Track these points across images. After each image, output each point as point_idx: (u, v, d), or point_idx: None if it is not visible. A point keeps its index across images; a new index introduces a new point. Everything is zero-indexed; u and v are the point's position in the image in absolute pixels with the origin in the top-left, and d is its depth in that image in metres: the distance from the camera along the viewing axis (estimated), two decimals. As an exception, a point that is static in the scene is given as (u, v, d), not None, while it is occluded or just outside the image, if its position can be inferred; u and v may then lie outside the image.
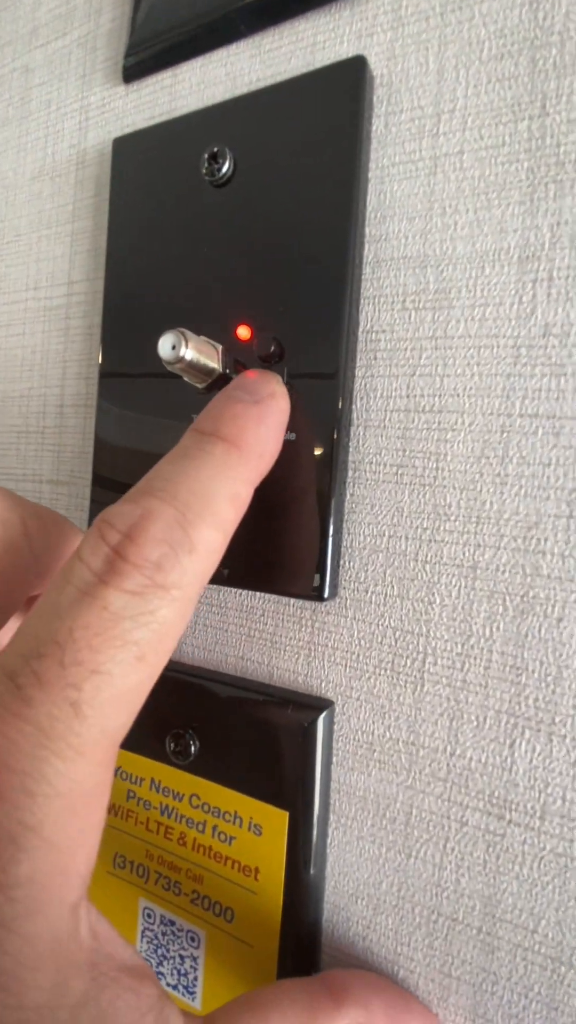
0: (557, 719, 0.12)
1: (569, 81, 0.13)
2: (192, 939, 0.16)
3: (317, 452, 0.14)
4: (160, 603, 0.10)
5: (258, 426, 0.12)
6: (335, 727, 0.15)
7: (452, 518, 0.14)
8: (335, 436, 0.14)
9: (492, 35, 0.14)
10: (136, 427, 0.17)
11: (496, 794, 0.13)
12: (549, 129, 0.13)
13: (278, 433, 0.13)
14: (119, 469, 0.18)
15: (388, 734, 0.14)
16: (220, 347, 0.15)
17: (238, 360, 0.16)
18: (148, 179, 0.18)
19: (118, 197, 0.18)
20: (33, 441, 0.21)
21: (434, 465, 0.14)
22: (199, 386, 0.16)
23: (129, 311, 0.18)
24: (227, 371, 0.15)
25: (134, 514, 0.10)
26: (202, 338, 0.15)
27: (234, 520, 0.12)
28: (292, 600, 0.16)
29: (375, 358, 0.15)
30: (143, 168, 0.18)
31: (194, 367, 0.15)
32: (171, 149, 0.17)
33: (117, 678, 0.09)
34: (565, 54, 0.13)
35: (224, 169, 0.16)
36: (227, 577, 0.15)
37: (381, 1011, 0.13)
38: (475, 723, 0.13)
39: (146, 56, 0.19)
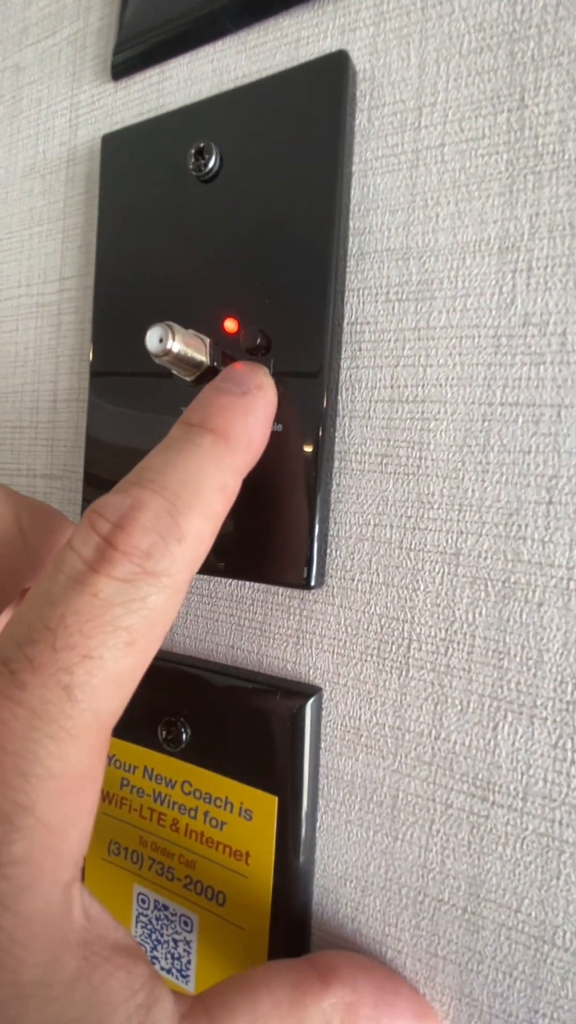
0: (538, 702, 0.13)
1: (547, 74, 0.13)
2: (185, 923, 0.17)
3: (304, 443, 0.15)
4: (150, 590, 0.10)
5: (245, 417, 0.12)
6: (323, 713, 0.15)
7: (435, 506, 0.14)
8: (321, 427, 0.15)
9: (471, 29, 0.14)
10: (127, 422, 0.18)
11: (480, 776, 0.13)
12: (528, 121, 0.13)
13: (266, 424, 0.13)
14: (110, 465, 0.18)
15: (375, 719, 0.15)
16: (208, 340, 0.16)
17: (226, 353, 0.16)
18: (136, 175, 0.18)
19: (107, 193, 0.18)
20: (27, 436, 0.22)
21: (417, 454, 0.14)
22: (187, 379, 0.16)
23: (119, 306, 0.18)
24: (215, 364, 0.16)
25: (124, 504, 0.10)
26: (190, 331, 0.15)
27: (223, 510, 0.12)
28: (280, 589, 0.16)
29: (360, 349, 0.15)
30: (131, 164, 0.18)
31: (182, 360, 0.15)
32: (158, 145, 0.17)
33: (108, 663, 0.10)
34: (543, 47, 0.13)
35: (210, 164, 0.16)
36: (219, 568, 0.16)
37: (368, 991, 0.13)
38: (459, 707, 0.14)
39: (134, 53, 0.19)
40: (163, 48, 0.18)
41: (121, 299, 0.18)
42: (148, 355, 0.15)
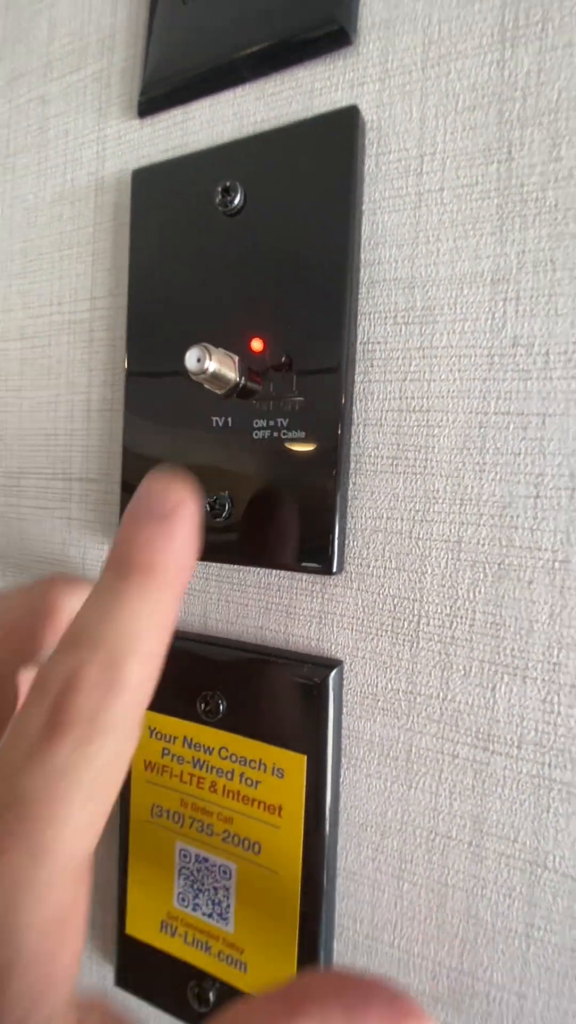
0: (530, 664, 0.15)
1: (531, 131, 0.15)
2: (224, 872, 0.19)
3: (324, 448, 0.17)
4: (100, 746, 0.11)
5: (170, 544, 0.12)
6: (344, 682, 0.18)
7: (439, 501, 0.16)
8: (339, 433, 0.17)
9: (465, 89, 0.16)
10: (160, 431, 0.20)
11: (481, 730, 0.16)
12: (514, 172, 0.15)
13: (191, 541, 0.13)
14: (145, 472, 0.20)
15: (389, 685, 0.17)
16: (236, 358, 0.18)
17: (251, 369, 0.18)
18: (166, 207, 0.20)
19: (138, 223, 0.21)
20: (62, 443, 0.24)
21: (424, 456, 0.17)
22: (219, 392, 0.18)
23: (152, 325, 0.20)
24: (243, 379, 0.18)
25: (66, 669, 0.11)
26: (221, 350, 0.17)
27: (161, 647, 0.12)
28: (305, 575, 0.18)
29: (371, 366, 0.17)
30: (161, 197, 0.20)
31: (216, 377, 0.17)
32: (187, 181, 0.19)
33: (72, 819, 0.10)
34: (527, 107, 0.15)
35: (236, 201, 0.18)
36: (249, 559, 0.18)
37: (338, 1014, 0.11)
38: (462, 672, 0.16)
39: (159, 94, 0.21)
40: (187, 91, 0.20)
41: (153, 319, 0.20)
42: (180, 370, 0.17)
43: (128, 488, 0.21)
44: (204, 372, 0.17)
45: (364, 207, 0.17)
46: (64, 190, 0.24)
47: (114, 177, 0.23)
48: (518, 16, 0.15)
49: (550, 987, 0.15)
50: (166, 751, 0.20)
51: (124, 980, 0.21)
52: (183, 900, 0.20)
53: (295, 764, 0.18)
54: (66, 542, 0.24)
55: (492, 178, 0.16)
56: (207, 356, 0.17)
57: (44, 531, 0.24)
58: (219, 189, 0.18)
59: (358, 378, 0.17)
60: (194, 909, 0.19)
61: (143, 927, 0.21)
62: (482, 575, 0.16)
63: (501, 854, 0.16)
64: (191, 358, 0.17)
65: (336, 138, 0.17)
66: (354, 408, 0.17)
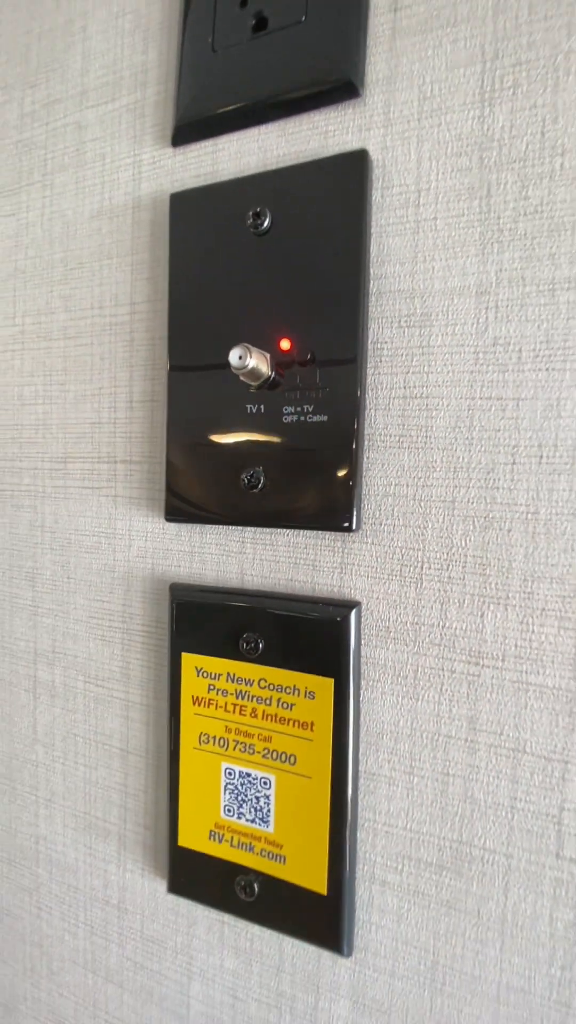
0: (510, 595, 0.20)
1: (505, 174, 0.20)
2: (265, 783, 0.23)
3: (344, 429, 0.21)
4: None
5: None
6: (362, 619, 0.22)
7: (437, 469, 0.21)
8: (356, 417, 0.21)
9: (453, 138, 0.20)
10: (200, 419, 0.24)
11: (473, 649, 0.20)
12: (492, 207, 0.20)
13: None
14: (187, 454, 0.24)
15: (399, 619, 0.21)
16: (268, 355, 0.22)
17: (280, 365, 0.22)
18: (201, 227, 0.24)
19: (177, 239, 0.24)
20: (106, 430, 0.27)
21: (424, 434, 0.21)
22: (252, 383, 0.22)
23: (190, 328, 0.24)
24: (273, 374, 0.22)
25: None
26: (257, 349, 0.21)
27: None
28: (327, 534, 0.22)
29: (380, 361, 0.21)
30: (197, 218, 0.24)
31: (253, 372, 0.21)
32: (221, 205, 0.23)
33: None
34: (502, 155, 0.20)
35: (265, 224, 0.22)
36: (281, 522, 0.22)
37: None
38: (457, 604, 0.20)
39: (191, 127, 0.25)
40: (216, 126, 0.24)
41: (192, 321, 0.24)
42: (217, 365, 0.21)
43: (172, 468, 0.24)
44: (245, 367, 0.21)
45: (372, 231, 0.21)
46: (103, 207, 0.27)
47: (150, 197, 0.26)
48: (494, 81, 0.20)
49: (530, 845, 0.20)
50: (212, 687, 0.24)
51: (177, 886, 0.25)
52: (229, 811, 0.24)
53: (324, 687, 0.22)
54: (113, 516, 0.27)
55: (475, 211, 0.20)
56: (248, 354, 0.21)
57: (91, 508, 0.28)
58: (250, 213, 0.22)
59: (369, 371, 0.22)
60: (238, 817, 0.24)
61: (193, 838, 0.25)
62: (471, 527, 0.20)
63: (490, 745, 0.20)
64: (234, 355, 0.21)
65: (349, 174, 0.21)
66: (367, 396, 0.22)
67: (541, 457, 0.19)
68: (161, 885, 0.27)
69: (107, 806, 0.28)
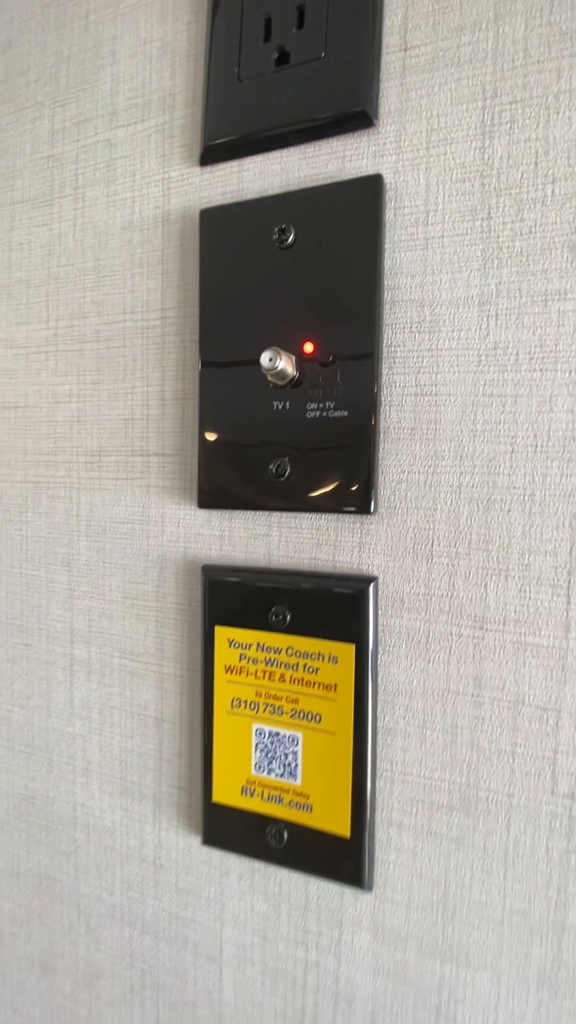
0: (510, 567, 0.23)
1: (503, 199, 0.22)
2: (293, 741, 0.26)
3: (363, 423, 0.24)
4: None
5: None
6: (379, 591, 0.25)
7: (445, 458, 0.24)
8: (372, 412, 0.24)
9: (458, 165, 0.23)
10: (229, 414, 0.26)
11: (477, 615, 0.23)
12: (493, 227, 0.23)
13: None
14: (218, 448, 0.27)
15: (412, 591, 0.24)
16: (293, 357, 0.25)
17: (303, 365, 0.25)
18: (230, 240, 0.26)
19: (206, 251, 0.27)
20: (139, 426, 0.30)
21: (433, 427, 0.24)
22: (280, 383, 0.25)
23: (221, 332, 0.27)
24: (297, 374, 0.25)
25: None
26: (284, 351, 0.24)
27: None
28: (347, 516, 0.25)
29: (394, 362, 0.24)
30: (226, 232, 0.26)
31: (281, 373, 0.24)
32: (249, 221, 0.26)
33: None
34: (500, 182, 0.22)
35: (290, 239, 0.25)
36: (307, 506, 0.25)
37: None
38: (463, 576, 0.23)
39: (218, 149, 0.27)
40: (242, 148, 0.27)
41: (222, 326, 0.27)
42: (246, 366, 0.24)
43: (204, 459, 0.27)
44: (274, 368, 0.24)
45: (386, 246, 0.24)
46: (133, 219, 0.30)
47: (179, 212, 0.29)
48: (493, 116, 0.23)
49: (529, 785, 0.23)
50: (243, 656, 0.27)
51: (211, 839, 0.28)
52: (259, 767, 0.27)
53: (346, 652, 0.25)
54: (146, 505, 0.30)
55: (477, 231, 0.23)
56: (277, 356, 0.23)
57: (125, 497, 0.31)
58: (276, 228, 0.25)
59: (384, 371, 0.24)
60: (268, 773, 0.27)
61: (227, 794, 0.27)
62: (476, 508, 0.23)
63: (494, 699, 0.23)
64: (265, 357, 0.23)
65: (366, 196, 0.24)
66: (382, 393, 0.24)
67: (536, 446, 0.22)
68: (195, 840, 0.30)
69: (142, 771, 0.31)
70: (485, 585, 0.23)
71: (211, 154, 0.27)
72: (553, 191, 0.22)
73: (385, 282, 0.24)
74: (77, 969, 0.34)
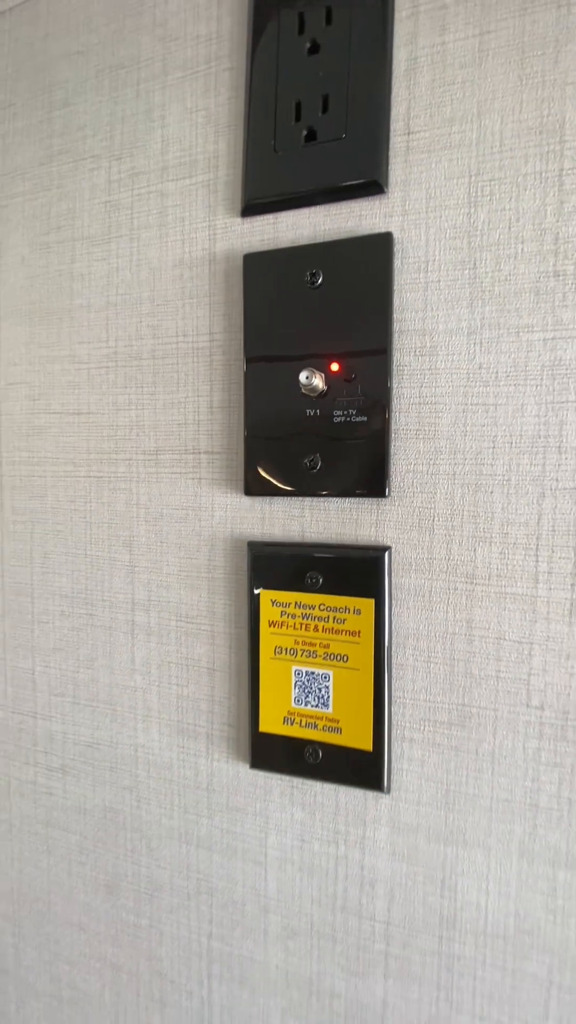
0: (492, 535, 0.30)
1: (485, 254, 0.30)
2: (325, 678, 0.33)
3: (378, 427, 0.31)
4: None
5: None
6: (392, 557, 0.32)
7: (442, 452, 0.31)
8: (386, 417, 0.31)
9: (450, 227, 0.30)
10: (269, 418, 0.33)
11: (469, 573, 0.31)
12: (477, 276, 0.30)
13: None
14: (261, 446, 0.34)
15: (417, 556, 0.31)
16: (323, 374, 0.32)
17: (330, 381, 0.32)
18: (269, 280, 0.33)
19: (250, 288, 0.34)
20: (191, 430, 0.37)
21: (433, 429, 0.31)
22: (312, 395, 0.32)
23: (263, 353, 0.34)
24: (326, 388, 0.32)
25: None
26: (316, 370, 0.31)
27: None
28: (366, 499, 0.32)
29: (402, 379, 0.31)
30: (265, 273, 0.33)
31: (314, 387, 0.31)
32: (285, 265, 0.33)
33: None
34: (484, 240, 0.30)
35: (319, 281, 0.32)
36: (335, 492, 0.32)
37: None
38: (458, 543, 0.31)
39: (257, 205, 0.34)
40: (277, 205, 0.34)
41: (264, 348, 0.34)
42: (283, 381, 0.31)
43: (249, 456, 0.34)
44: (310, 384, 0.31)
45: (395, 288, 0.31)
46: (183, 258, 0.37)
47: (223, 253, 0.36)
48: (477, 190, 0.30)
49: (509, 701, 0.30)
50: (283, 612, 0.34)
51: (258, 763, 0.35)
52: (298, 701, 0.34)
53: (367, 605, 0.32)
54: (198, 494, 0.37)
55: (466, 279, 0.30)
56: (313, 374, 0.30)
57: (179, 488, 0.38)
58: (308, 272, 0.32)
59: (395, 386, 0.32)
60: (305, 704, 0.34)
61: (271, 724, 0.35)
62: (467, 491, 0.30)
63: (482, 637, 0.31)
64: (303, 375, 0.30)
65: (379, 248, 0.31)
66: (392, 403, 0.32)
67: (511, 443, 0.30)
68: (243, 767, 0.37)
69: (196, 713, 0.38)
70: (474, 550, 0.30)
71: (251, 208, 0.34)
72: (523, 249, 0.29)
73: (394, 316, 0.31)
74: (139, 886, 0.41)
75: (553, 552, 0.29)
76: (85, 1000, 0.45)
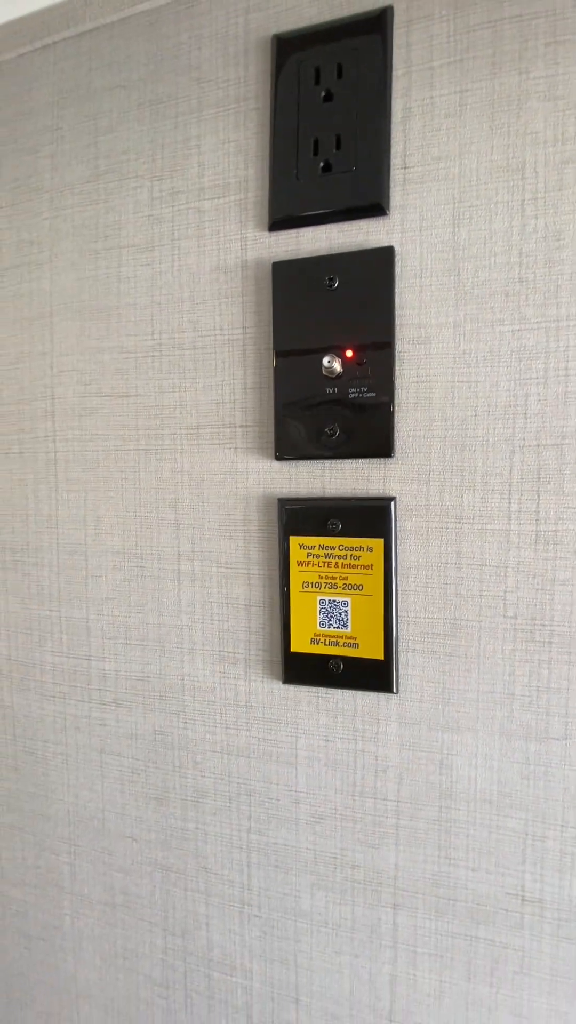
0: (475, 484, 0.39)
1: (467, 264, 0.39)
2: (344, 604, 0.42)
3: (385, 402, 0.40)
4: None
5: None
6: (397, 505, 0.41)
7: (436, 420, 0.40)
8: (391, 395, 0.40)
9: (439, 242, 0.39)
10: (295, 397, 0.42)
11: (457, 515, 0.40)
12: (460, 281, 0.39)
13: None
14: (288, 421, 0.43)
15: (417, 503, 0.41)
16: (340, 359, 0.41)
17: (345, 365, 0.41)
18: (294, 283, 0.42)
19: (278, 289, 0.42)
20: (227, 407, 0.46)
21: (428, 402, 0.40)
22: (331, 376, 0.41)
23: (289, 342, 0.42)
24: (342, 370, 0.41)
25: None
26: (336, 356, 0.40)
27: None
28: (376, 460, 0.42)
29: (403, 363, 0.41)
30: (291, 277, 0.42)
31: (333, 370, 0.40)
32: (307, 271, 0.42)
33: None
34: (464, 254, 0.39)
35: (336, 284, 0.41)
36: (348, 455, 0.41)
37: None
38: (448, 492, 0.40)
39: (282, 222, 0.43)
40: (299, 222, 0.42)
41: (290, 339, 0.42)
42: (307, 366, 0.40)
43: (280, 427, 0.43)
44: (331, 367, 0.40)
45: (396, 290, 0.40)
46: (219, 264, 0.45)
47: (254, 261, 0.44)
48: (459, 214, 0.39)
49: (491, 613, 0.40)
50: (309, 553, 0.43)
51: (290, 678, 0.44)
52: (323, 624, 0.43)
53: (377, 544, 0.41)
54: (235, 461, 0.46)
55: (452, 283, 0.39)
56: (335, 359, 0.39)
57: (218, 456, 0.46)
58: (327, 277, 0.41)
59: (397, 368, 0.41)
60: (328, 627, 0.43)
61: (300, 644, 0.44)
62: (455, 450, 0.40)
63: (468, 564, 0.40)
64: (325, 360, 0.39)
65: (383, 259, 0.40)
66: (396, 382, 0.41)
67: (489, 411, 0.39)
68: (276, 684, 0.46)
69: (235, 643, 0.47)
70: (461, 496, 0.40)
71: (277, 224, 0.43)
72: (495, 260, 0.38)
73: (396, 312, 0.40)
74: (186, 796, 0.50)
75: (522, 495, 0.39)
76: (137, 902, 0.53)
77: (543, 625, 0.39)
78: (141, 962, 0.54)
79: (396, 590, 0.41)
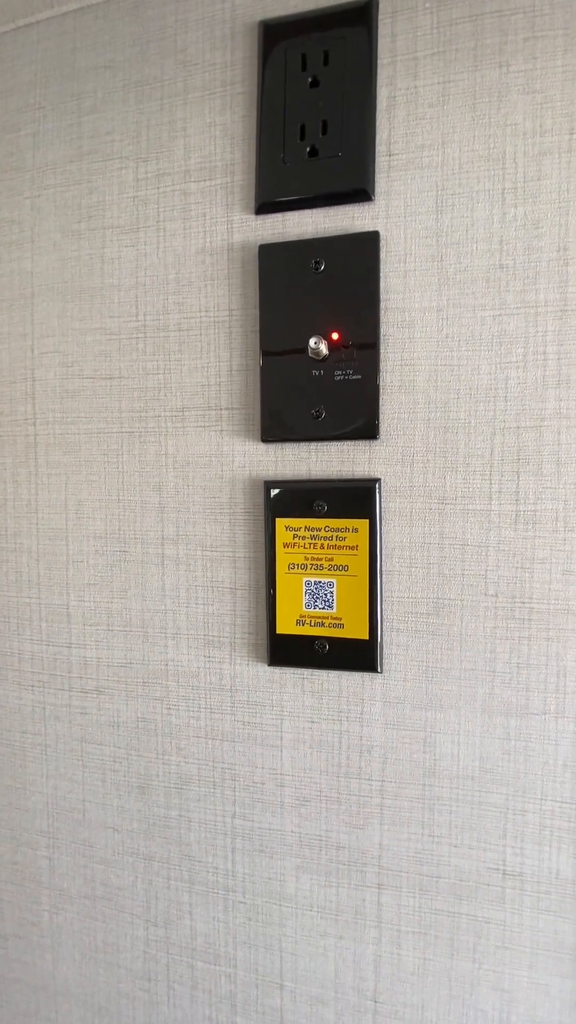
0: (457, 466, 0.41)
1: (449, 250, 0.41)
2: (330, 584, 0.44)
3: (370, 383, 0.42)
4: None
5: None
6: (382, 486, 0.43)
7: (419, 403, 0.42)
8: (377, 375, 0.42)
9: (422, 228, 0.41)
10: (282, 379, 0.44)
11: (440, 496, 0.42)
12: (443, 267, 0.41)
13: None
14: (275, 403, 0.44)
15: (401, 485, 0.43)
16: (326, 342, 0.43)
17: (331, 347, 0.43)
18: (280, 265, 0.44)
19: (264, 272, 0.44)
20: (213, 390, 0.47)
21: (412, 385, 0.42)
22: (317, 358, 0.43)
23: (275, 325, 0.44)
24: (328, 353, 0.43)
25: None
26: (322, 338, 0.42)
27: None
28: (361, 442, 0.43)
29: (387, 345, 0.42)
30: (277, 260, 0.44)
31: (319, 352, 0.42)
32: (294, 254, 0.43)
33: None
34: (447, 240, 0.41)
35: (322, 267, 0.42)
36: (336, 436, 0.43)
37: None
38: (432, 473, 0.42)
39: (268, 205, 0.44)
40: (285, 206, 0.44)
41: (276, 321, 0.44)
42: (294, 348, 0.42)
43: (266, 409, 0.44)
44: (317, 349, 0.41)
45: (381, 274, 0.42)
46: (204, 247, 0.47)
47: (240, 243, 0.46)
48: (442, 201, 0.41)
49: (473, 592, 0.42)
50: (295, 535, 0.44)
51: (276, 660, 0.46)
52: (308, 605, 0.45)
53: (362, 525, 0.43)
54: (220, 443, 0.47)
55: (435, 268, 0.41)
56: (321, 341, 0.41)
57: (203, 439, 0.47)
58: (313, 260, 0.43)
59: (382, 351, 0.43)
60: (314, 608, 0.44)
61: (286, 625, 0.45)
62: (438, 431, 0.42)
63: (450, 544, 0.42)
64: (312, 341, 0.41)
65: (368, 243, 0.42)
66: (381, 364, 0.43)
67: (470, 394, 0.41)
68: (262, 667, 0.47)
69: (220, 627, 0.48)
70: (444, 478, 0.42)
71: (263, 208, 0.45)
72: (476, 247, 0.40)
73: (381, 296, 0.42)
74: (169, 783, 0.51)
75: (502, 476, 0.41)
76: (118, 894, 0.54)
77: (523, 603, 0.41)
78: (122, 955, 0.54)
79: (381, 570, 0.43)
